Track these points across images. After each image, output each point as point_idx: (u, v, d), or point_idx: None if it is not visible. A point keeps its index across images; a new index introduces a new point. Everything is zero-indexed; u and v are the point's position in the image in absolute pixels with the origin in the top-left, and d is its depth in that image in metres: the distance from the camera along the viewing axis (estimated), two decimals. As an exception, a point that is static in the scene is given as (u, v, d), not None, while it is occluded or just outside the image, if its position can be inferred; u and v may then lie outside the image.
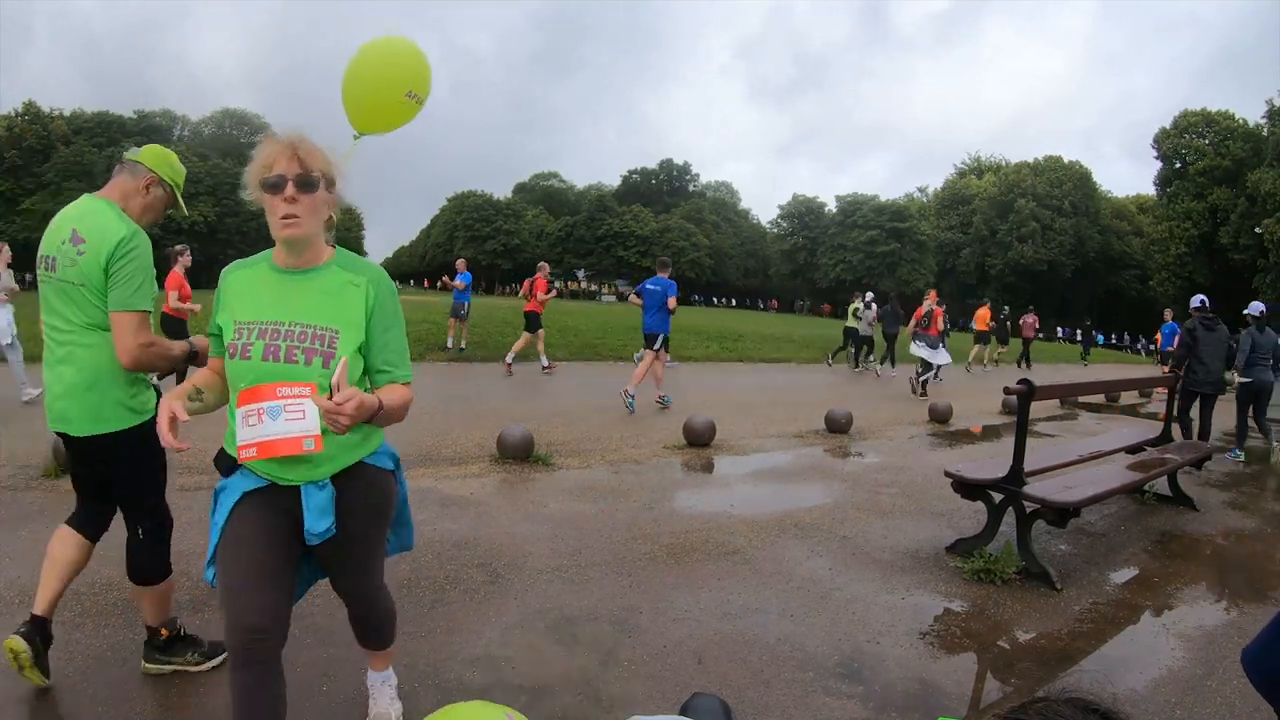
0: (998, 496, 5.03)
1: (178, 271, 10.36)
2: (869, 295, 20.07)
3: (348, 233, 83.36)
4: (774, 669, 3.33)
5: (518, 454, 6.99)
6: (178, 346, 2.89)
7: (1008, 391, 5.07)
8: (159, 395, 2.85)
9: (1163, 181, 64.43)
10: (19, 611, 3.48)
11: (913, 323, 15.90)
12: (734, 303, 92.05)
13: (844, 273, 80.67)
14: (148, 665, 3.07)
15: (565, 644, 3.46)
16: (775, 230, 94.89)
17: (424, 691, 2.98)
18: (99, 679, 2.97)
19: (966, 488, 5.15)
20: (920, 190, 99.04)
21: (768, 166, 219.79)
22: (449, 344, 16.35)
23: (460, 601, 3.86)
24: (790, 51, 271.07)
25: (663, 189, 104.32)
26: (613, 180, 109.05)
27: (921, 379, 14.95)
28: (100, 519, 3.07)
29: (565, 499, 5.95)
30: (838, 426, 9.60)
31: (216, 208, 73.82)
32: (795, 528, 5.54)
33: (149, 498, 2.99)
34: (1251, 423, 9.94)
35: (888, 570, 4.75)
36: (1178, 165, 62.14)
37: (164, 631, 3.08)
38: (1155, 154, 64.40)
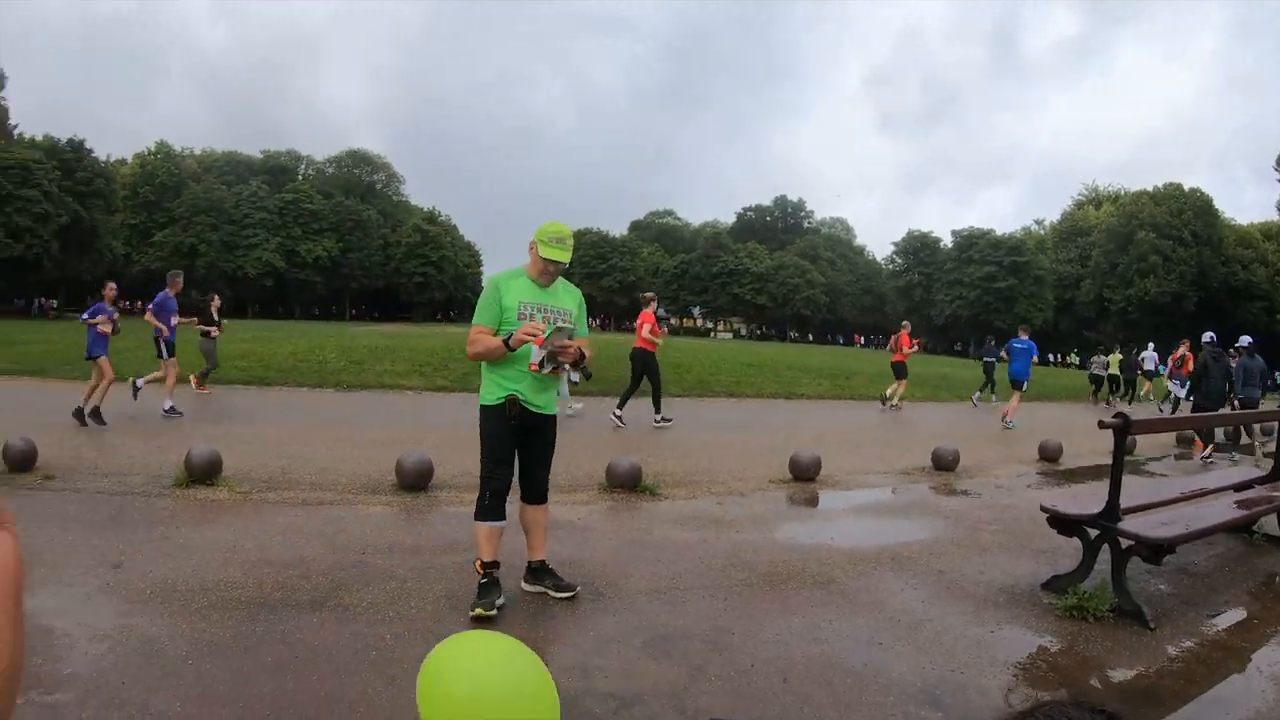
0: (1093, 532, 4.90)
1: (648, 312, 12.11)
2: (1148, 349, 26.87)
3: (466, 269, 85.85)
4: (856, 692, 3.39)
5: (626, 483, 7.18)
6: (496, 341, 4.02)
7: (1102, 426, 4.94)
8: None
9: (1287, 206, 59.88)
10: (153, 602, 3.93)
11: (1170, 364, 19.51)
12: (841, 340, 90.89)
13: (960, 309, 78.27)
14: (523, 584, 4.42)
15: (657, 658, 3.61)
16: (890, 266, 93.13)
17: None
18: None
19: (1062, 523, 5.05)
20: (1037, 223, 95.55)
21: (891, 200, 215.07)
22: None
23: (562, 615, 4.07)
24: (920, 80, 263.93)
25: (777, 226, 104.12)
26: (729, 217, 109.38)
27: (1174, 414, 17.51)
28: (521, 482, 4.35)
29: (669, 527, 6.11)
30: (944, 464, 9.43)
31: (340, 243, 77.29)
32: (892, 560, 5.52)
33: (481, 460, 4.20)
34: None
35: (981, 604, 4.69)
36: (1302, 189, 57.73)
37: (478, 568, 4.20)
38: (1278, 177, 60.09)
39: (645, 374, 12.25)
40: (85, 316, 10.09)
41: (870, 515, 7.16)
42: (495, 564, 4.18)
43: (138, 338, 14.68)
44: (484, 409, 4.19)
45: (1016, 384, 15.43)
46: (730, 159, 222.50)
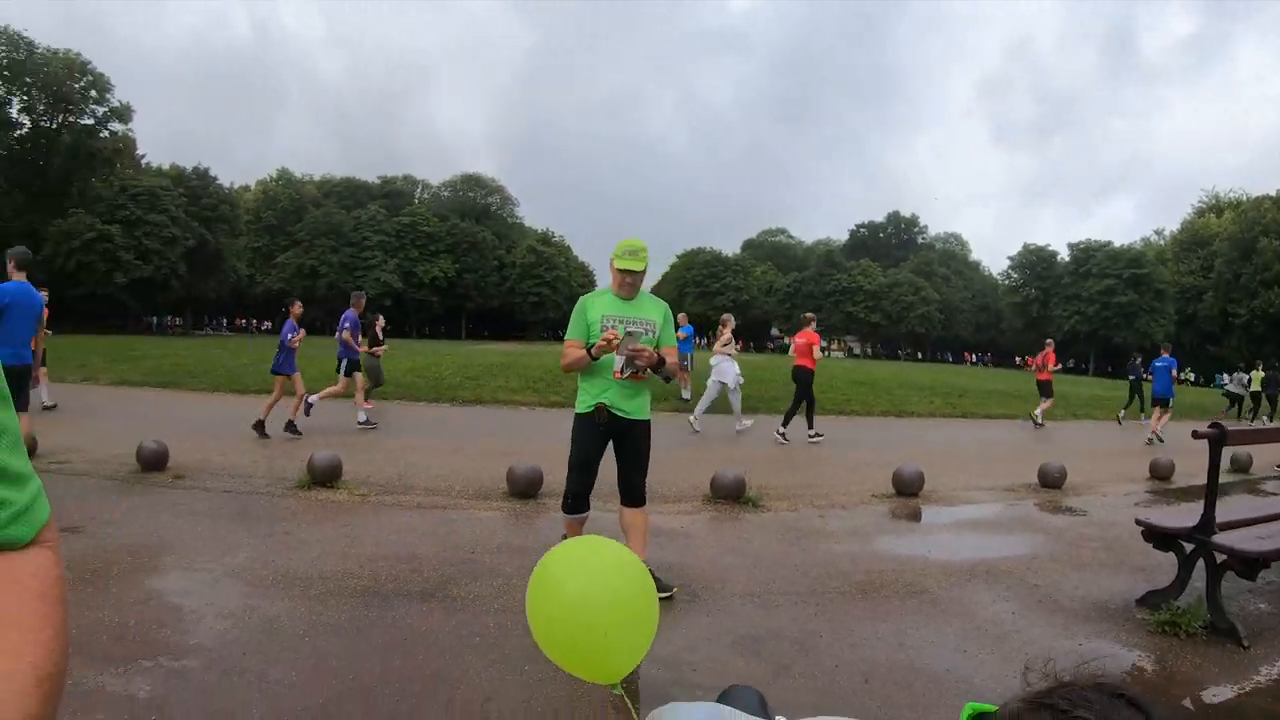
0: (1188, 546, 4.82)
1: (814, 333, 12.64)
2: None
3: (580, 288, 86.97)
4: (935, 695, 3.50)
5: (729, 495, 7.36)
6: (581, 351, 4.41)
7: (1196, 435, 4.83)
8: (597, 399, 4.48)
9: None
10: (274, 588, 4.40)
11: None
12: (950, 358, 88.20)
13: (1079, 324, 74.47)
14: None
15: (746, 656, 3.82)
16: (1006, 282, 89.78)
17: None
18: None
19: (1157, 537, 4.96)
20: (1157, 233, 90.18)
21: (1006, 214, 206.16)
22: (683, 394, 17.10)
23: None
24: (1033, 88, 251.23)
25: (890, 242, 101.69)
26: (841, 234, 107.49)
27: None
28: (619, 486, 4.64)
29: (768, 537, 6.26)
30: (1050, 481, 9.22)
31: (456, 264, 79.51)
32: (987, 574, 5.52)
33: (568, 463, 4.56)
34: None
35: (1072, 618, 4.68)
36: None
37: None
38: None
39: (801, 391, 12.49)
40: (286, 340, 10.57)
41: (969, 530, 7.13)
42: None
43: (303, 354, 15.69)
44: (576, 417, 4.57)
45: (1161, 401, 15.94)
46: (842, 175, 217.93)
